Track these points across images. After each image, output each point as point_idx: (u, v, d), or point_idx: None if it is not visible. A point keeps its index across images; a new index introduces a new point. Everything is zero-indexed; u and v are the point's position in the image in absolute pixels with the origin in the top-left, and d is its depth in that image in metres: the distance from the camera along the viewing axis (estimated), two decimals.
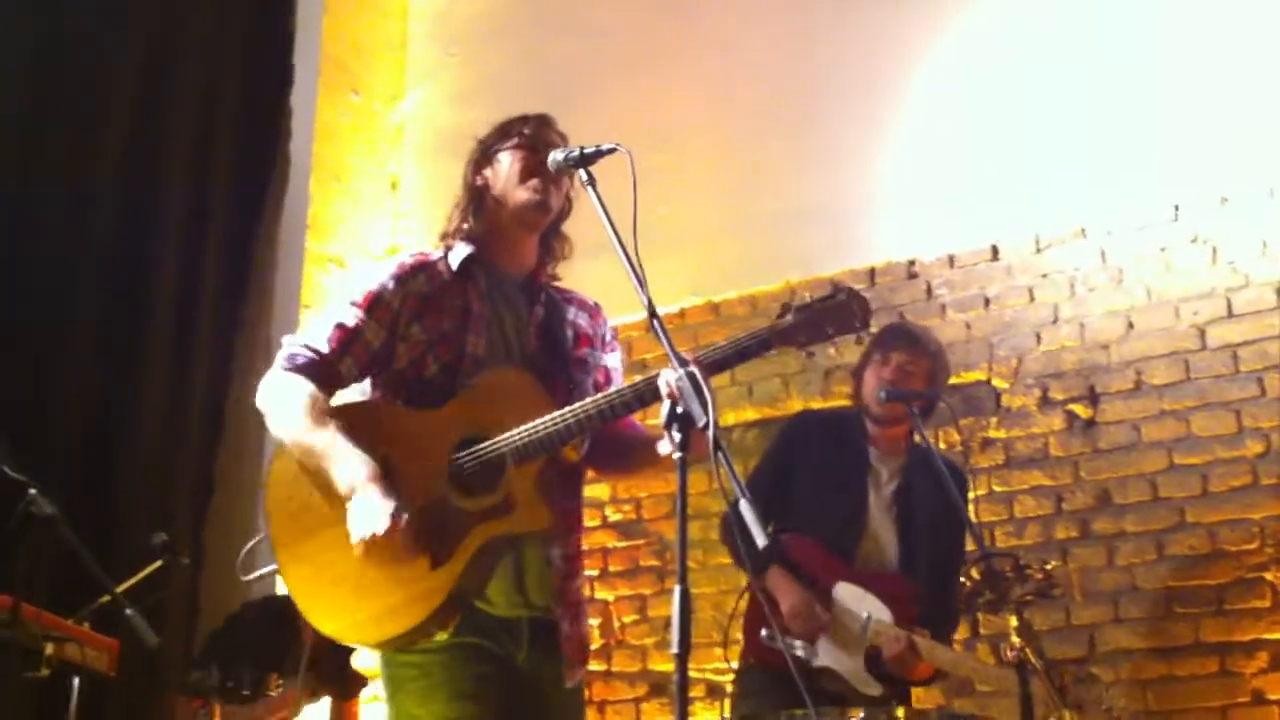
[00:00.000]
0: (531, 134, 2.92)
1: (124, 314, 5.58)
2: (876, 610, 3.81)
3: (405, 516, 2.54)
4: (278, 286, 6.14)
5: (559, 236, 2.98)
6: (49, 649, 3.55)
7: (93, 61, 5.74)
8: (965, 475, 4.17)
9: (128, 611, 3.80)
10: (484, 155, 2.96)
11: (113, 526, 5.18)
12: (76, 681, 3.88)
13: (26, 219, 5.36)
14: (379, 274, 2.86)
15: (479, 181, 2.94)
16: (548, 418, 2.64)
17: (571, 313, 2.97)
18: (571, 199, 2.95)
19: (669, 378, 2.42)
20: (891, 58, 5.66)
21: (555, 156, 2.73)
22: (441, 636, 2.66)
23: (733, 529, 3.97)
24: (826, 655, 3.79)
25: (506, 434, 2.64)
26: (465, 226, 2.91)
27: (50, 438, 5.20)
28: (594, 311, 3.03)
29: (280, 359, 2.79)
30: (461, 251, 2.87)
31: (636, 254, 2.51)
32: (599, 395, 2.69)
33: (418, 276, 2.84)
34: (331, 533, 2.64)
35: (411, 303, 2.81)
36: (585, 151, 2.69)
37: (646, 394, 2.62)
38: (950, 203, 5.40)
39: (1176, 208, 4.96)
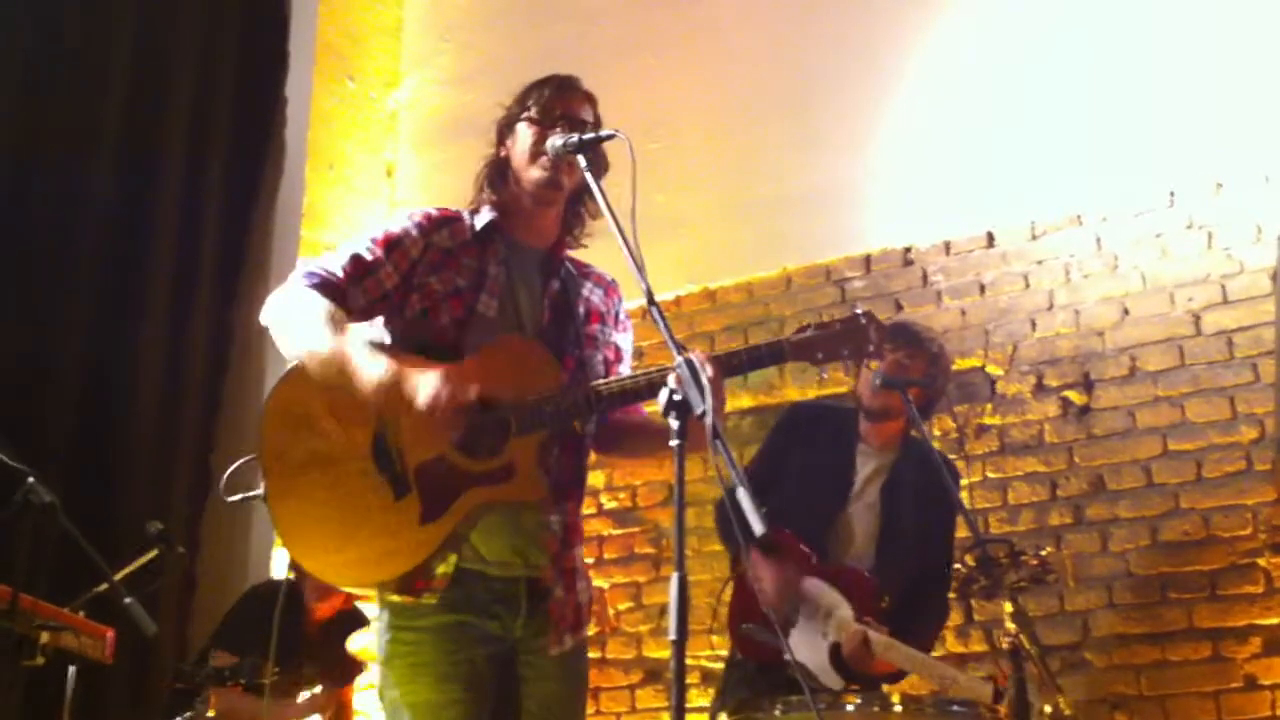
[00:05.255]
0: (546, 105, 2.84)
1: (120, 302, 5.58)
2: (838, 606, 3.82)
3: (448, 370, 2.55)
4: (273, 274, 6.12)
5: (588, 199, 2.86)
6: (44, 638, 3.55)
7: (88, 48, 5.72)
8: (957, 469, 4.18)
9: (126, 600, 3.79)
10: (507, 124, 2.89)
11: (110, 515, 5.18)
12: (72, 670, 3.88)
13: (21, 207, 5.36)
14: (402, 219, 2.82)
15: (502, 152, 2.89)
16: (558, 392, 2.64)
17: (587, 288, 2.92)
18: (605, 160, 2.86)
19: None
20: (887, 44, 5.66)
21: (554, 142, 2.71)
22: (430, 600, 2.64)
23: (729, 518, 3.99)
24: (797, 650, 3.80)
25: (514, 401, 2.63)
26: (485, 197, 2.87)
27: (48, 426, 5.20)
28: (609, 288, 2.98)
29: (294, 277, 2.75)
30: (485, 216, 2.83)
31: (635, 241, 2.51)
32: (613, 378, 2.69)
33: (441, 230, 2.80)
34: (324, 471, 2.65)
35: (432, 255, 2.77)
36: (584, 137, 2.69)
37: (659, 382, 2.56)
38: (946, 190, 5.40)
39: (1172, 194, 4.97)
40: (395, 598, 2.68)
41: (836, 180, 5.59)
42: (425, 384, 2.54)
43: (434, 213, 2.84)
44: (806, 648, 3.80)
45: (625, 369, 2.92)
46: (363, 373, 2.57)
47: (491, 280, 2.78)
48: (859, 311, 2.67)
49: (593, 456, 2.96)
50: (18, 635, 3.43)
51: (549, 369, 2.70)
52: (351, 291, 2.71)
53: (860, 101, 5.65)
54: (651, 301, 2.43)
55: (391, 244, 2.75)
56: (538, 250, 2.88)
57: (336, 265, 2.73)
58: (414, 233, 2.78)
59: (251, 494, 3.70)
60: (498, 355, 2.68)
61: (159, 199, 5.82)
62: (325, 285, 2.70)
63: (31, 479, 3.67)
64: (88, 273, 5.52)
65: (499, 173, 2.88)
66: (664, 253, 5.57)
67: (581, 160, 2.65)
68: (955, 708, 3.42)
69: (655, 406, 2.36)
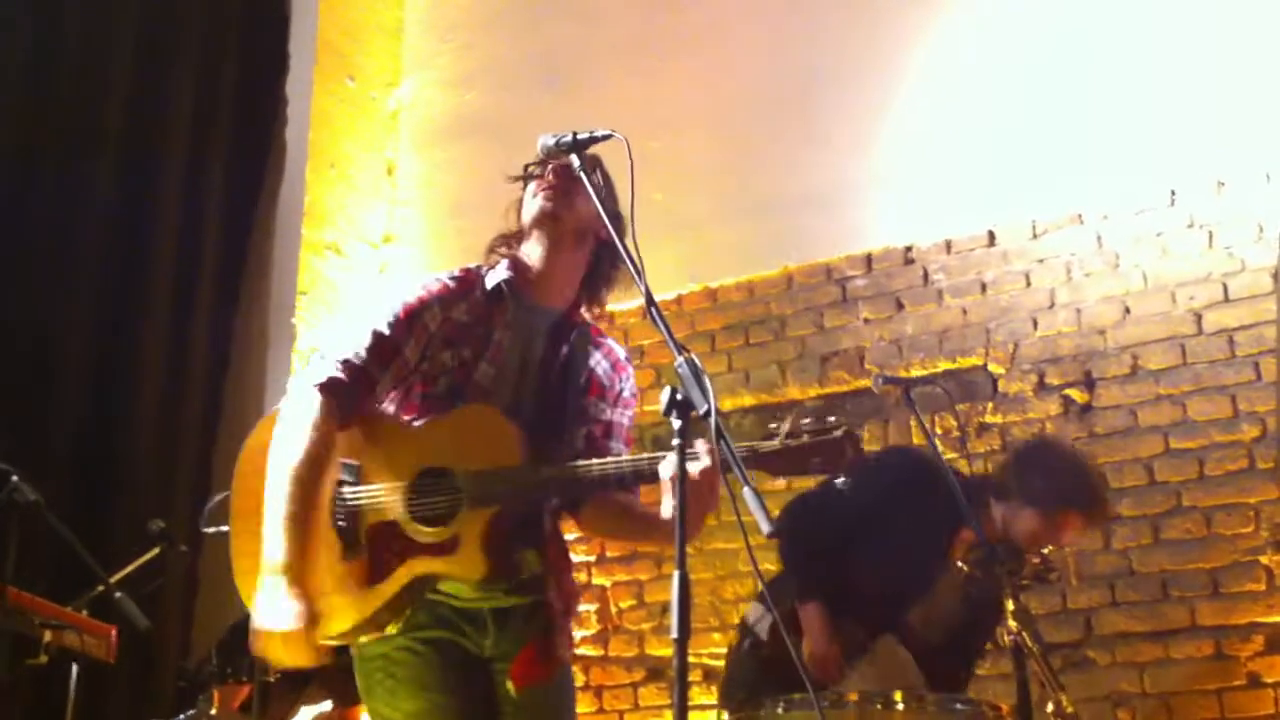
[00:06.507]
0: (539, 161, 2.77)
1: (121, 302, 5.59)
2: (913, 680, 3.70)
3: (305, 621, 2.44)
4: (274, 273, 6.14)
5: (615, 259, 2.74)
6: (47, 636, 3.56)
7: (89, 48, 5.72)
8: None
9: (117, 595, 3.80)
10: (519, 204, 2.84)
11: (111, 515, 5.18)
12: (75, 668, 3.89)
13: (22, 208, 5.35)
14: (419, 290, 2.74)
15: (517, 225, 2.84)
16: (517, 470, 2.57)
17: (595, 358, 2.84)
18: (621, 216, 2.74)
19: (670, 466, 2.37)
20: (888, 43, 5.66)
21: (546, 141, 2.62)
22: (393, 628, 2.63)
23: (800, 545, 3.80)
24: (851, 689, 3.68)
25: (467, 471, 2.57)
26: (499, 254, 2.82)
27: (49, 426, 5.20)
28: (618, 364, 2.88)
29: (317, 373, 2.65)
30: (498, 275, 2.76)
31: (634, 241, 2.50)
32: (579, 465, 2.58)
33: (459, 304, 2.73)
34: None
35: (448, 329, 2.71)
36: (579, 136, 2.59)
37: (630, 474, 2.53)
38: (947, 188, 5.40)
39: (1173, 193, 4.97)
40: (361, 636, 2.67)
41: (838, 179, 5.59)
42: (266, 612, 2.46)
43: (453, 283, 2.75)
44: None
45: (617, 446, 2.83)
46: (265, 548, 2.51)
47: (494, 346, 2.72)
48: (835, 425, 2.44)
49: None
50: (20, 634, 3.44)
51: (510, 441, 2.60)
52: (382, 378, 2.65)
53: (861, 101, 5.65)
54: (651, 302, 2.41)
55: (412, 319, 2.68)
56: (550, 310, 2.80)
57: (364, 347, 2.65)
58: (434, 306, 2.70)
59: (224, 528, 3.72)
60: (458, 423, 2.63)
61: (160, 199, 5.82)
62: (349, 384, 2.61)
63: (15, 478, 3.67)
64: (89, 273, 5.52)
65: (514, 237, 2.83)
66: (665, 252, 5.56)
67: (575, 160, 2.58)
68: (959, 706, 3.42)
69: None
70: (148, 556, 4.38)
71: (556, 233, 2.77)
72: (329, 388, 2.61)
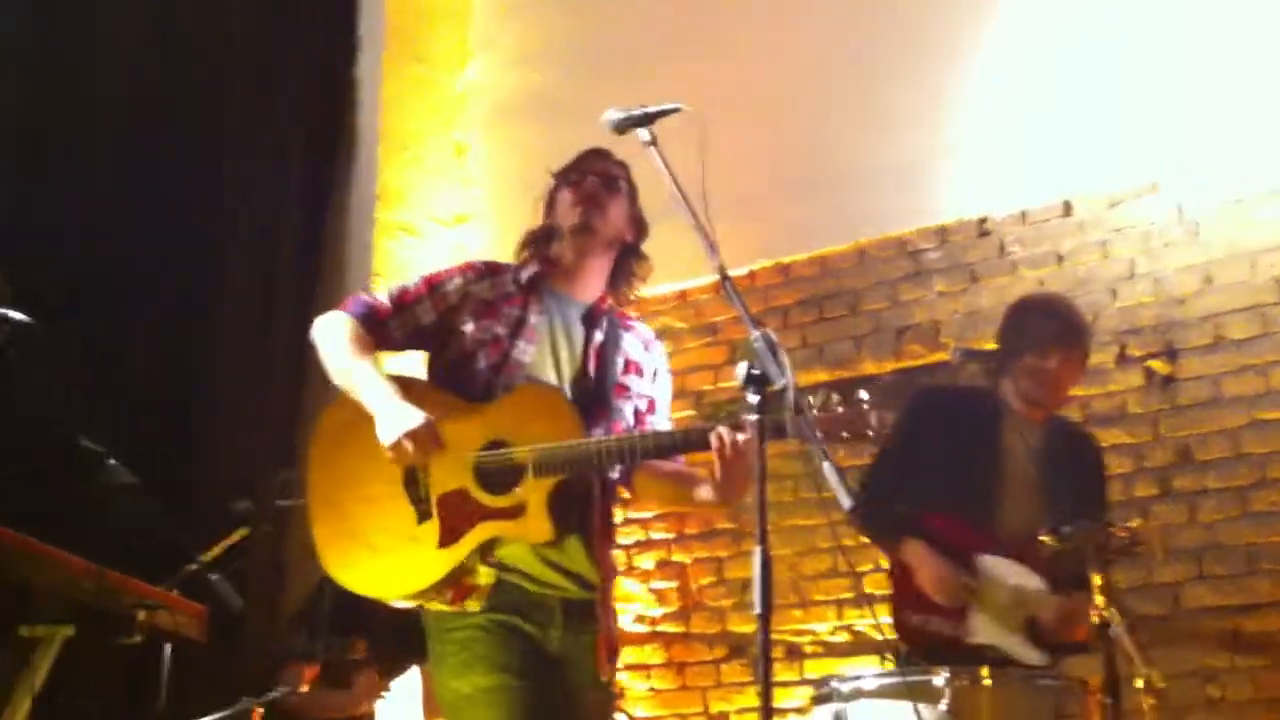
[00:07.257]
0: (575, 167, 3.02)
1: (201, 290, 5.66)
2: (1027, 580, 3.69)
3: (425, 416, 2.74)
4: (350, 256, 6.20)
5: (639, 259, 3.05)
6: (141, 616, 3.62)
7: (144, 40, 5.78)
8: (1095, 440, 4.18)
9: (213, 577, 3.88)
10: (549, 200, 3.06)
11: (193, 495, 5.26)
12: (168, 648, 3.96)
13: (97, 193, 5.42)
14: (449, 266, 3.03)
15: (546, 221, 3.05)
16: (577, 441, 2.74)
17: (627, 340, 3.03)
18: (644, 221, 3.05)
19: (721, 432, 2.59)
20: (960, 11, 5.59)
21: (612, 115, 2.68)
22: (473, 605, 2.77)
23: (877, 513, 3.84)
24: (982, 632, 3.68)
25: (531, 444, 2.75)
26: (530, 254, 3.04)
27: (134, 411, 5.28)
28: (649, 343, 3.09)
29: (344, 303, 3.00)
30: (531, 269, 2.99)
31: (706, 216, 2.50)
32: (633, 433, 2.80)
33: (484, 281, 2.98)
34: (358, 490, 2.85)
35: (470, 303, 2.94)
36: (648, 110, 2.65)
37: (681, 442, 2.76)
38: (1021, 159, 5.33)
39: (1252, 159, 4.86)
40: (440, 606, 2.81)
41: (910, 151, 5.53)
42: (392, 424, 2.74)
43: (480, 265, 3.03)
44: (995, 627, 3.68)
45: (661, 420, 3.04)
46: (365, 400, 2.82)
47: (530, 328, 2.91)
48: (861, 397, 2.62)
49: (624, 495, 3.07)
50: (115, 614, 3.50)
51: (569, 416, 2.80)
52: (391, 322, 2.94)
53: (934, 71, 5.59)
54: (725, 277, 2.43)
55: (435, 285, 2.98)
56: (581, 303, 3.01)
57: (384, 295, 2.97)
58: (457, 279, 2.98)
59: (298, 500, 3.80)
60: (519, 400, 2.82)
61: (236, 188, 5.88)
62: (366, 313, 2.94)
63: (112, 460, 3.74)
64: (168, 261, 5.56)
65: (544, 236, 3.04)
66: (736, 228, 5.45)
67: (644, 134, 2.64)
68: (1043, 682, 3.39)
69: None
70: (235, 538, 4.45)
71: (591, 242, 2.98)
72: (349, 306, 2.96)
